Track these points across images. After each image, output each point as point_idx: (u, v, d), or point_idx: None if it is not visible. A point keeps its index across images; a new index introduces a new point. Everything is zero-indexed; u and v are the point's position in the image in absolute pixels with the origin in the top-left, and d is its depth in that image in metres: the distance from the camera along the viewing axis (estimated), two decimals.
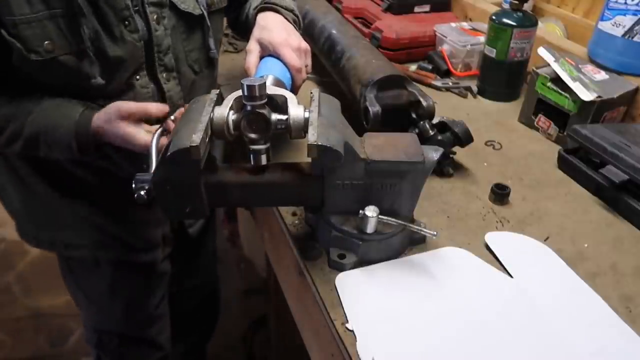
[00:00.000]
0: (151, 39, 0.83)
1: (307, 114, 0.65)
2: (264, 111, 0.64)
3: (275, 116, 0.66)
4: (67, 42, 0.75)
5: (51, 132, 0.79)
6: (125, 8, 0.78)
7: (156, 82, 0.88)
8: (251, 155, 0.67)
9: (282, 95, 0.68)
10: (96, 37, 0.77)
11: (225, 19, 1.11)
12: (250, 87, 0.62)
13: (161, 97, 0.89)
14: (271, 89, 0.67)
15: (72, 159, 0.82)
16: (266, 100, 0.65)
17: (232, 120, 0.65)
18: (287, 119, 0.65)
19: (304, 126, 0.65)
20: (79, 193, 0.97)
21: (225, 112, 0.65)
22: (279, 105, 0.68)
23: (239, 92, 0.66)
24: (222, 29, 1.00)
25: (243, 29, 1.04)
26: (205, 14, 0.89)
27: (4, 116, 0.79)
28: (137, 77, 0.85)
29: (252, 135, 0.66)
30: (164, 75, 0.88)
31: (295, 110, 0.65)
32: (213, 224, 1.41)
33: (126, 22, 0.79)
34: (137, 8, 0.80)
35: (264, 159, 0.67)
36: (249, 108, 0.64)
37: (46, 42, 0.73)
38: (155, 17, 0.82)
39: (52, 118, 0.79)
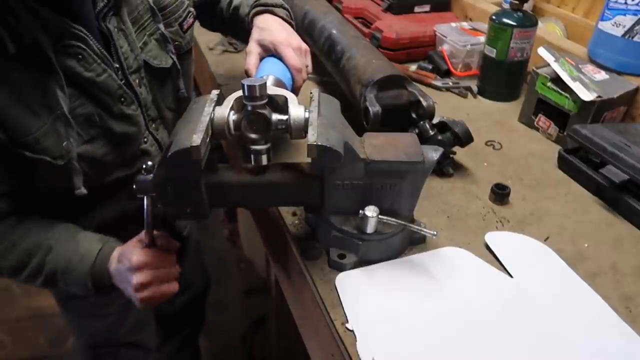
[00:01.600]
0: (139, 102, 0.86)
1: (307, 114, 0.65)
2: (265, 111, 0.64)
3: (275, 116, 0.65)
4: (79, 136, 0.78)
5: (69, 272, 0.80)
6: (118, 88, 0.80)
7: (153, 136, 0.91)
8: (252, 156, 0.67)
9: (282, 96, 0.67)
10: (100, 119, 0.80)
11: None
12: (251, 87, 0.62)
13: (159, 147, 0.93)
14: (272, 89, 0.67)
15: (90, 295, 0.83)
16: (267, 100, 0.65)
17: (233, 120, 0.65)
18: (287, 119, 0.65)
19: (304, 126, 0.65)
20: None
21: (225, 112, 0.65)
22: (280, 105, 0.67)
23: (239, 93, 0.66)
24: (192, 66, 1.02)
25: (223, 27, 1.05)
26: (176, 61, 0.91)
27: (26, 252, 0.80)
28: (145, 139, 0.89)
29: (253, 136, 0.66)
30: (153, 126, 0.91)
31: (296, 111, 0.65)
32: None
33: (122, 99, 0.82)
34: (123, 82, 0.82)
35: (264, 159, 0.67)
36: (249, 108, 0.64)
37: (64, 144, 0.75)
38: (137, 82, 0.85)
39: (68, 257, 0.80)
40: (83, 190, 0.79)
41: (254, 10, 0.94)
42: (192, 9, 0.94)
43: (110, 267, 0.80)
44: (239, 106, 0.67)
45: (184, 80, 0.96)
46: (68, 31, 0.73)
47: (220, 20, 1.06)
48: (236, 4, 1.00)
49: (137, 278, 0.75)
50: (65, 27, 0.73)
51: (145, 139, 0.89)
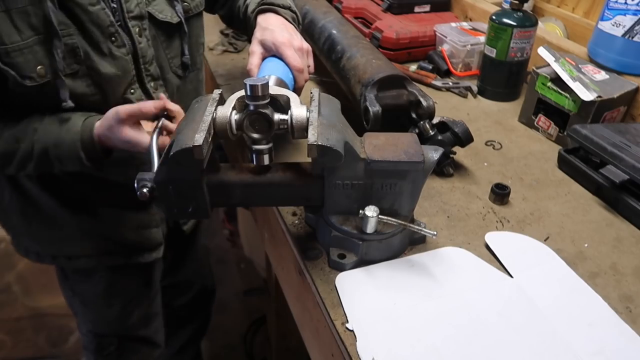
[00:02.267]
0: (136, 51, 0.85)
1: (309, 114, 0.65)
2: (267, 111, 0.64)
3: (277, 116, 0.65)
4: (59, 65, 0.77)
5: (59, 146, 0.80)
6: (110, 25, 0.80)
7: (146, 92, 0.90)
8: (254, 155, 0.67)
9: (284, 95, 0.67)
10: (86, 56, 0.79)
11: (216, 17, 1.13)
12: (253, 87, 0.62)
13: None
14: (274, 89, 0.67)
15: (86, 170, 0.83)
16: (269, 100, 0.65)
17: (235, 120, 0.65)
18: (289, 119, 0.65)
19: (306, 126, 0.65)
20: (81, 206, 0.98)
21: (227, 112, 0.65)
22: (282, 105, 0.67)
23: (242, 92, 0.66)
24: (202, 33, 1.02)
25: (241, 26, 1.05)
26: (183, 21, 0.92)
27: (12, 136, 0.81)
28: (132, 90, 0.88)
29: (255, 135, 0.65)
30: (152, 84, 0.91)
31: (298, 111, 0.65)
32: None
33: (113, 38, 0.81)
34: (119, 23, 0.82)
35: (266, 159, 0.67)
36: (251, 108, 0.64)
37: (39, 67, 0.75)
38: (137, 30, 0.85)
39: (56, 133, 0.80)
40: (70, 103, 0.79)
41: (258, 8, 0.94)
42: None
43: (105, 132, 0.79)
44: (241, 106, 0.67)
45: (190, 46, 0.96)
46: None
47: (237, 17, 1.07)
48: (248, 1, 1.01)
49: (123, 109, 0.76)
50: None
51: (132, 90, 0.88)
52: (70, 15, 0.76)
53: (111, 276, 1.09)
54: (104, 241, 1.02)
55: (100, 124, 0.79)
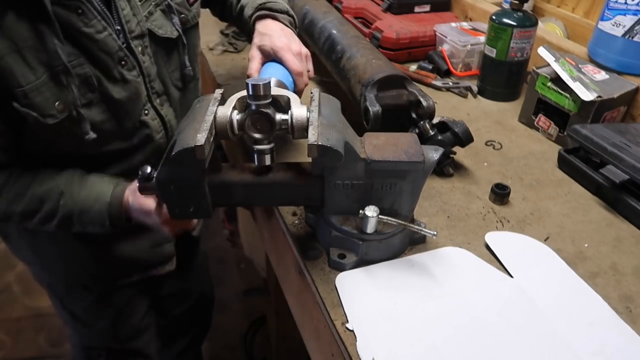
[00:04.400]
0: (141, 70, 0.84)
1: (309, 114, 0.65)
2: (269, 111, 0.64)
3: (279, 116, 0.65)
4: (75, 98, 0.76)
5: (85, 213, 0.82)
6: (119, 49, 0.79)
7: (155, 110, 0.89)
8: (255, 156, 0.67)
9: (285, 96, 0.67)
10: (99, 84, 0.78)
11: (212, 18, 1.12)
12: (255, 87, 0.62)
13: (163, 124, 0.91)
14: (274, 90, 0.67)
15: (104, 231, 0.84)
16: (271, 100, 0.64)
17: (236, 120, 0.65)
18: (289, 119, 0.65)
19: (306, 126, 0.65)
20: (93, 235, 0.95)
21: (228, 112, 0.65)
22: (282, 106, 0.67)
23: (242, 93, 0.66)
24: (198, 42, 1.01)
25: (233, 21, 1.06)
26: (182, 34, 0.90)
27: (37, 197, 0.80)
28: (145, 111, 0.87)
29: (257, 135, 0.65)
30: (158, 101, 0.90)
31: (298, 110, 0.65)
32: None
33: (123, 62, 0.80)
34: (125, 45, 0.81)
35: (268, 159, 0.67)
36: (253, 107, 0.64)
37: (57, 103, 0.74)
38: (140, 49, 0.83)
39: (84, 199, 0.81)
40: (92, 135, 0.78)
41: (256, 14, 0.94)
42: None
43: (128, 201, 0.81)
44: (242, 106, 0.67)
45: (190, 57, 0.95)
46: None
47: (229, 13, 1.06)
48: (243, 2, 1.00)
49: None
50: None
51: (147, 111, 0.87)
52: (78, 44, 0.74)
53: (101, 290, 1.09)
54: (120, 265, 1.02)
55: (127, 194, 0.81)
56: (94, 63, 0.77)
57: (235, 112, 0.66)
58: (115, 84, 0.80)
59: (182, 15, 0.91)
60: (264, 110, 0.64)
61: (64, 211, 0.81)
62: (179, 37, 0.90)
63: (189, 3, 0.93)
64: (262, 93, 0.63)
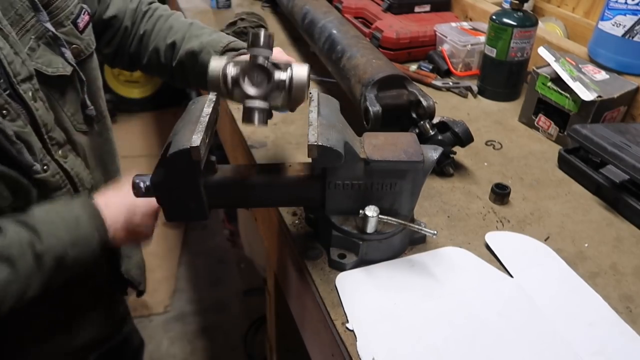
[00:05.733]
0: (35, 120, 0.69)
1: (308, 71, 0.61)
2: (267, 63, 0.61)
3: (277, 73, 0.62)
4: None
5: (76, 246, 0.68)
6: None
7: (57, 163, 0.74)
8: (246, 114, 0.62)
9: (284, 60, 0.65)
10: None
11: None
12: (256, 35, 0.59)
13: (69, 178, 0.76)
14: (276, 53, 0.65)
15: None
16: (271, 53, 0.61)
17: (231, 73, 0.61)
18: (288, 77, 0.61)
19: (305, 84, 0.61)
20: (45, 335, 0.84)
21: (222, 63, 0.61)
22: (281, 66, 0.65)
23: (242, 57, 0.63)
24: (99, 75, 0.85)
25: (180, 72, 0.92)
26: (77, 68, 0.76)
27: (6, 259, 0.62)
28: (45, 167, 0.71)
29: (251, 90, 0.61)
30: (60, 153, 0.74)
31: (299, 69, 0.62)
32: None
33: (4, 112, 0.64)
34: (8, 91, 0.65)
35: (258, 118, 0.62)
36: (252, 59, 0.60)
37: None
38: (30, 94, 0.68)
39: (64, 232, 0.67)
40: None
41: (229, 54, 0.83)
42: (84, 6, 0.80)
43: (104, 211, 0.71)
44: (239, 65, 0.64)
45: (90, 94, 0.81)
46: None
47: (156, 61, 0.92)
48: (195, 48, 0.87)
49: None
50: None
51: (46, 167, 0.71)
52: None
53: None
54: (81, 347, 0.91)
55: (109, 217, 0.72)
56: None
57: (231, 65, 0.62)
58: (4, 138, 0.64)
59: (74, 46, 0.76)
60: (261, 63, 0.60)
61: (50, 258, 0.65)
62: (74, 72, 0.75)
63: (79, 30, 0.77)
64: (262, 41, 0.59)
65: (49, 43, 0.72)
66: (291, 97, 0.62)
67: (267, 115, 0.63)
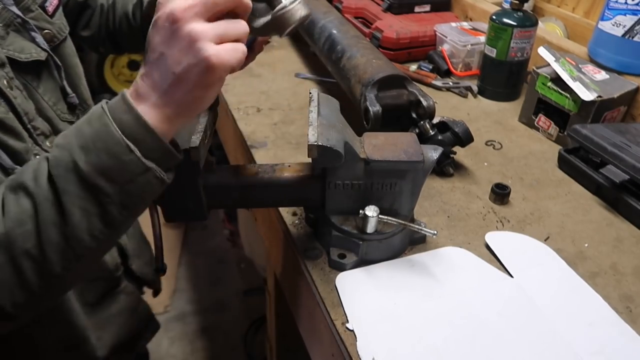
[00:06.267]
0: (15, 109, 0.64)
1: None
2: None
3: None
4: None
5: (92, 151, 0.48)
6: None
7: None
8: (285, 15, 0.54)
9: None
10: None
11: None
12: None
13: None
14: None
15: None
16: None
17: None
18: None
19: None
20: None
21: None
22: None
23: None
24: (77, 61, 0.80)
25: (131, 39, 0.87)
26: (51, 53, 0.72)
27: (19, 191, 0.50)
28: (36, 156, 0.65)
29: None
30: (48, 144, 0.69)
31: None
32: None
33: None
34: None
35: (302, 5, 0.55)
36: None
37: None
38: (5, 82, 0.63)
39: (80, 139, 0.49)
40: None
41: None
42: None
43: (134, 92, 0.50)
44: None
45: (70, 81, 0.76)
46: None
47: (128, 30, 0.88)
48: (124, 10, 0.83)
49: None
50: None
51: (37, 157, 0.64)
52: None
53: None
54: None
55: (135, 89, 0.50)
56: None
57: None
58: None
59: (46, 31, 0.72)
60: None
61: (72, 175, 0.48)
62: (49, 58, 0.71)
63: (48, 14, 0.73)
64: None
65: (18, 30, 0.68)
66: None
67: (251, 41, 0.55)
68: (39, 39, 0.70)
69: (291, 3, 0.55)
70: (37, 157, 0.56)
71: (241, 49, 0.49)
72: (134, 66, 3.15)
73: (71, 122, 0.75)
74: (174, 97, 0.49)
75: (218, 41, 0.47)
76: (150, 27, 0.49)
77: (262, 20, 0.56)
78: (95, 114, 0.49)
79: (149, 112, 0.49)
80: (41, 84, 0.72)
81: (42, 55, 0.70)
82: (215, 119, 0.70)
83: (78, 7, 0.88)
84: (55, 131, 0.72)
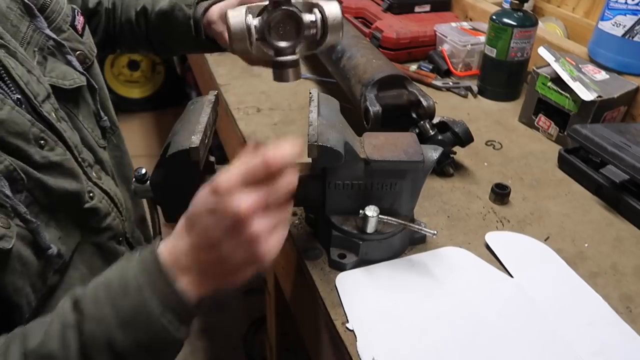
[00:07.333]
0: (67, 144, 0.60)
1: (340, 6, 0.54)
2: (294, 9, 0.52)
3: (306, 16, 0.53)
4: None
5: (128, 324, 0.46)
6: (31, 125, 0.54)
7: (99, 188, 0.66)
8: (278, 72, 0.55)
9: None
10: (29, 178, 0.53)
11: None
12: None
13: (110, 199, 0.67)
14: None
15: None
16: None
17: (255, 25, 0.52)
18: (319, 17, 0.53)
19: (341, 23, 0.54)
20: None
21: (242, 13, 0.52)
22: (306, 6, 0.56)
23: (255, 4, 0.56)
24: (103, 83, 0.75)
25: (152, 37, 0.86)
26: (89, 77, 0.68)
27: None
28: (91, 194, 0.62)
29: (281, 43, 0.53)
30: (94, 174, 0.66)
31: (329, 6, 0.54)
32: None
33: (41, 142, 0.55)
34: (35, 117, 0.56)
35: (292, 76, 0.55)
36: (274, 4, 0.52)
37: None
38: (53, 115, 0.59)
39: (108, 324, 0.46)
40: (55, 249, 0.55)
41: (202, 5, 0.77)
42: (74, 5, 0.71)
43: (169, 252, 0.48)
44: (256, 12, 0.55)
45: (101, 103, 0.72)
46: None
47: (131, 35, 0.86)
48: (165, 7, 0.81)
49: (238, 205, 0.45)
50: None
51: (91, 194, 0.62)
52: None
53: None
54: None
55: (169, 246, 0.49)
56: (10, 152, 0.51)
57: (250, 16, 0.53)
58: (47, 172, 0.55)
59: (79, 52, 0.67)
60: (288, 8, 0.51)
61: (98, 348, 0.46)
62: (88, 81, 0.68)
63: (78, 33, 0.69)
64: None
65: (52, 53, 0.63)
66: (325, 41, 0.55)
67: (299, 68, 0.55)
68: (75, 62, 0.65)
69: (320, 13, 0.55)
70: (58, 318, 0.47)
71: (284, 236, 0.49)
72: (133, 66, 3.16)
73: (104, 148, 0.72)
74: (218, 279, 0.49)
75: (271, 231, 0.48)
76: (202, 204, 0.49)
77: (308, 48, 0.57)
78: (132, 286, 0.46)
79: (189, 285, 0.48)
80: (80, 111, 0.68)
81: (83, 80, 0.66)
82: (215, 119, 0.70)
83: (88, 15, 0.85)
84: (97, 160, 0.68)
